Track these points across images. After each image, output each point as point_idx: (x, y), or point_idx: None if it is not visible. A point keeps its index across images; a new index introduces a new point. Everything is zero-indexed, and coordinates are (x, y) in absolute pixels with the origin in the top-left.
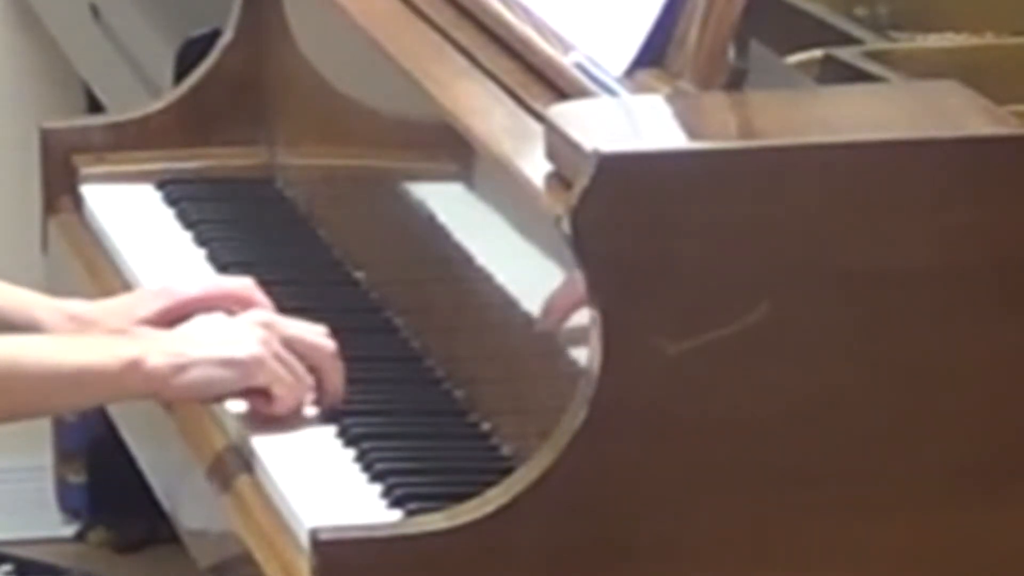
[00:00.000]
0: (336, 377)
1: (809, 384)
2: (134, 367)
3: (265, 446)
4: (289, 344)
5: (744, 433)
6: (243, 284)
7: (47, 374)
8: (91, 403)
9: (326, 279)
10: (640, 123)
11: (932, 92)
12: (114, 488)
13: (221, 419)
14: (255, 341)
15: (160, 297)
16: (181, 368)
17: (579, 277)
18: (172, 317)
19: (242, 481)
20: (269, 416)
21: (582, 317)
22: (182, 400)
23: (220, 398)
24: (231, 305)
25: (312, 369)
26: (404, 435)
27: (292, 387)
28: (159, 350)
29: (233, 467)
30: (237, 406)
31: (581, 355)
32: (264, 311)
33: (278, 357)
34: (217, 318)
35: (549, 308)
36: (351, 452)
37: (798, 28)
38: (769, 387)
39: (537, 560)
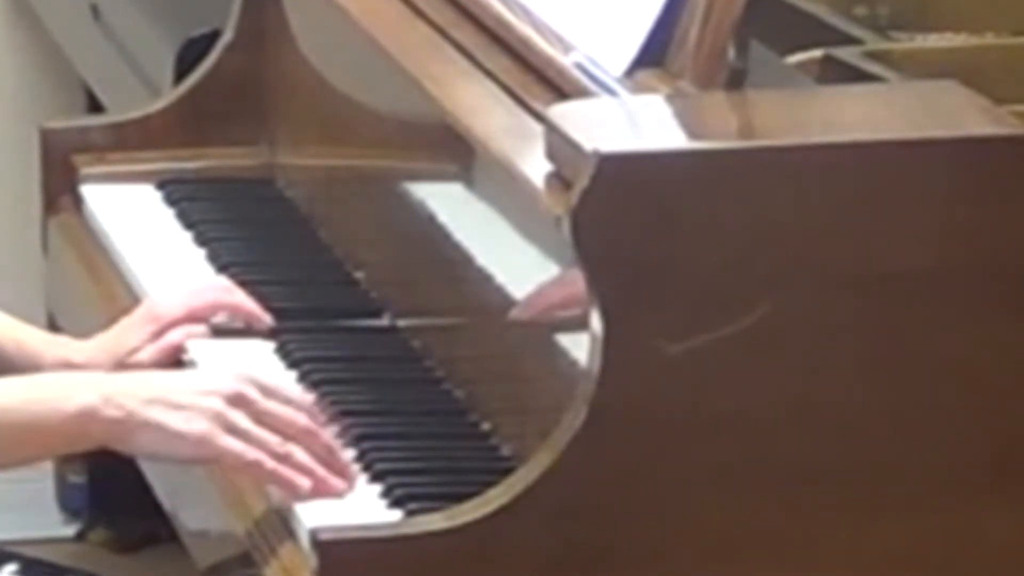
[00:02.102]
0: (315, 446)
1: (809, 384)
2: (87, 416)
3: None
4: (260, 416)
5: (744, 433)
6: (221, 292)
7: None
8: (39, 456)
9: (326, 279)
10: (640, 123)
11: (932, 92)
12: (114, 488)
13: None
14: (208, 417)
15: (147, 323)
16: (131, 426)
17: (578, 276)
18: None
19: (242, 481)
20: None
21: (582, 317)
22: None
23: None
24: (216, 314)
25: (287, 438)
26: (404, 435)
27: (246, 459)
28: (115, 399)
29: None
30: None
31: (581, 355)
32: (246, 375)
33: (233, 430)
34: (189, 377)
35: (539, 303)
36: (351, 452)
37: (798, 28)
38: (769, 387)
39: (537, 560)
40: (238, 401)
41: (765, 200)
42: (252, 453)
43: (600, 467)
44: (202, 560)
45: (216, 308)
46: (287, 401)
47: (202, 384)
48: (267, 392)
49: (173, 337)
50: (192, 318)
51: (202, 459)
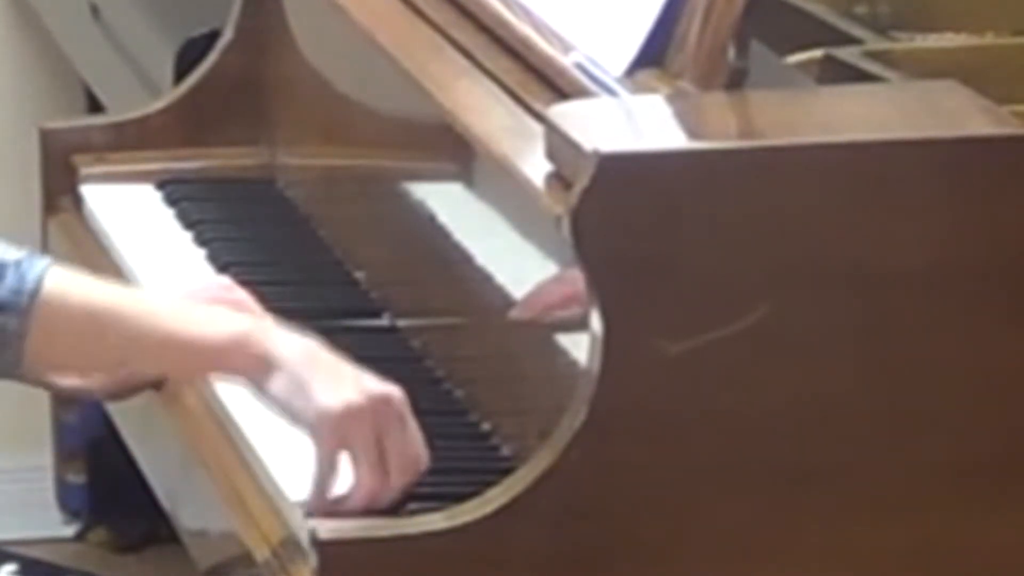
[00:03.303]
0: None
1: (809, 384)
2: (237, 344)
3: (266, 446)
4: (384, 435)
5: (744, 433)
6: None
7: (143, 332)
8: (181, 372)
9: (326, 279)
10: (640, 123)
11: (932, 92)
12: (114, 488)
13: (222, 420)
14: (347, 402)
15: None
16: (272, 365)
17: (578, 276)
18: None
19: (242, 481)
20: (338, 506)
21: (582, 317)
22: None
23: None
24: None
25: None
26: None
27: (372, 466)
28: (267, 336)
29: (233, 467)
30: (238, 408)
31: (581, 355)
32: (392, 388)
33: (357, 432)
34: (348, 364)
35: (539, 302)
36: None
37: (798, 28)
38: (769, 387)
39: (537, 560)
40: (380, 408)
41: (765, 200)
42: (365, 466)
43: (600, 467)
44: (202, 560)
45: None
46: (415, 443)
47: (356, 373)
48: (404, 424)
49: None
50: None
51: (316, 432)
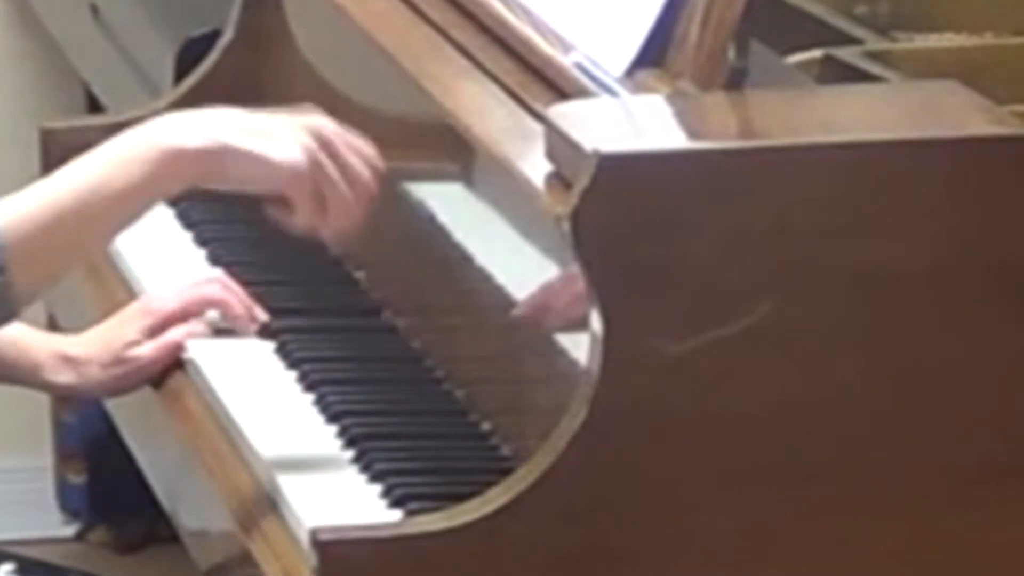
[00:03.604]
0: (358, 211)
1: (809, 384)
2: (173, 158)
3: (266, 446)
4: (340, 164)
5: (744, 433)
6: (217, 286)
7: (92, 209)
8: (142, 211)
9: (326, 279)
10: (640, 123)
11: (932, 92)
12: (114, 488)
13: (222, 420)
14: (302, 150)
15: (142, 316)
16: (218, 153)
17: (578, 276)
18: (156, 333)
19: (242, 481)
20: (285, 223)
21: (582, 317)
22: (218, 185)
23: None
24: (210, 309)
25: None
26: (404, 435)
27: (323, 204)
28: (193, 131)
29: (233, 467)
30: (238, 408)
31: (581, 355)
32: (318, 117)
33: (319, 168)
34: (277, 115)
35: (540, 302)
36: (351, 452)
37: (798, 28)
38: (769, 387)
39: (537, 560)
40: (326, 144)
41: (765, 200)
42: (340, 195)
43: (600, 467)
44: (202, 560)
45: (210, 302)
46: (360, 152)
47: (293, 120)
48: (347, 142)
49: (174, 335)
50: (186, 311)
51: (290, 191)
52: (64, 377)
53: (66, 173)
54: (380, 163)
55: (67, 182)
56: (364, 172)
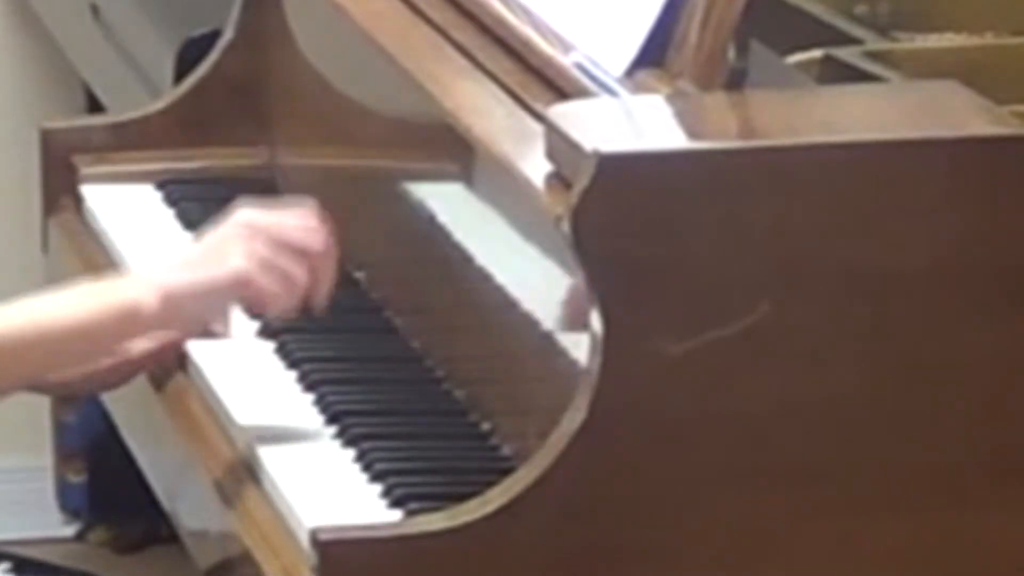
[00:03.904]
0: (326, 277)
1: (809, 384)
2: (134, 310)
3: (265, 446)
4: (279, 247)
5: (744, 433)
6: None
7: (44, 340)
8: (96, 355)
9: None
10: (640, 123)
11: (932, 92)
12: (114, 488)
13: (222, 420)
14: (240, 255)
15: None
16: (178, 300)
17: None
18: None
19: (242, 481)
20: (272, 313)
21: (582, 317)
22: (185, 333)
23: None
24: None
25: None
26: (404, 435)
27: (280, 295)
28: (154, 285)
29: (233, 467)
30: (238, 408)
31: (581, 355)
32: (249, 211)
33: (266, 266)
34: (203, 239)
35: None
36: (351, 452)
37: (798, 28)
38: (769, 387)
39: (537, 560)
40: (257, 233)
41: (765, 200)
42: (297, 280)
43: (600, 467)
44: (202, 560)
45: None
46: (299, 228)
47: (225, 229)
48: (280, 223)
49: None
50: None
51: (248, 293)
52: (54, 376)
53: (26, 303)
54: (322, 227)
55: (24, 309)
56: (312, 244)
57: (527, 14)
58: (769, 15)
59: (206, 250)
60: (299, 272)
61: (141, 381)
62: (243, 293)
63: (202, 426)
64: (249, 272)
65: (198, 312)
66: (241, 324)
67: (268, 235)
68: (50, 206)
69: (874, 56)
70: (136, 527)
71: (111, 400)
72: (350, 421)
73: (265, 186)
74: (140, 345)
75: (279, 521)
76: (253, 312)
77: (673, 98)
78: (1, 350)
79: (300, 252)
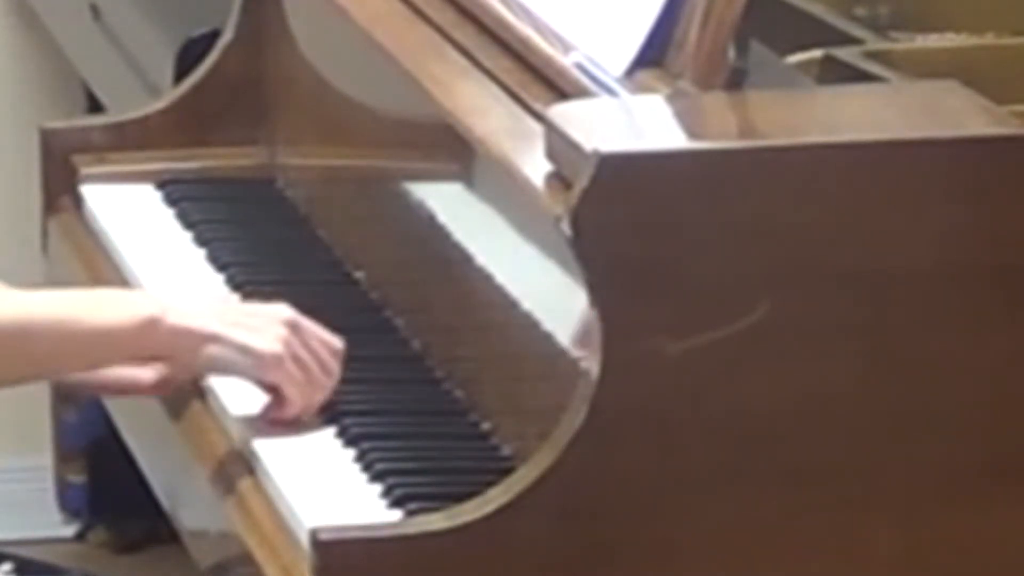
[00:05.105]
0: (324, 396)
1: (809, 384)
2: (152, 325)
3: (265, 446)
4: (313, 351)
5: (744, 433)
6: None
7: (61, 335)
8: (105, 363)
9: (326, 279)
10: (640, 123)
11: (932, 92)
12: (114, 488)
13: (222, 420)
14: (277, 338)
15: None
16: (200, 337)
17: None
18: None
19: (242, 481)
20: (276, 417)
21: (582, 317)
22: (190, 370)
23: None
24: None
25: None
26: (404, 435)
27: (303, 391)
28: (179, 311)
29: (233, 467)
30: (238, 408)
31: (581, 355)
32: (290, 310)
33: (296, 359)
34: (244, 304)
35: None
36: (351, 452)
37: (798, 28)
38: (769, 387)
39: (537, 560)
40: (296, 331)
41: (765, 200)
42: (319, 382)
43: (600, 467)
44: (202, 560)
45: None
46: (324, 342)
47: (267, 311)
48: (310, 331)
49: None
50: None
51: (269, 379)
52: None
53: (51, 295)
54: (339, 344)
55: (48, 301)
56: (334, 367)
57: (527, 14)
58: (769, 15)
59: (244, 314)
60: (324, 379)
61: None
62: (269, 375)
63: (203, 427)
64: (283, 357)
65: (224, 368)
66: None
67: (305, 336)
68: (50, 206)
69: (874, 56)
70: (136, 527)
71: (112, 401)
72: (350, 421)
73: (265, 186)
74: (149, 374)
75: (279, 521)
76: (263, 409)
77: (673, 98)
78: (21, 339)
79: (327, 365)
